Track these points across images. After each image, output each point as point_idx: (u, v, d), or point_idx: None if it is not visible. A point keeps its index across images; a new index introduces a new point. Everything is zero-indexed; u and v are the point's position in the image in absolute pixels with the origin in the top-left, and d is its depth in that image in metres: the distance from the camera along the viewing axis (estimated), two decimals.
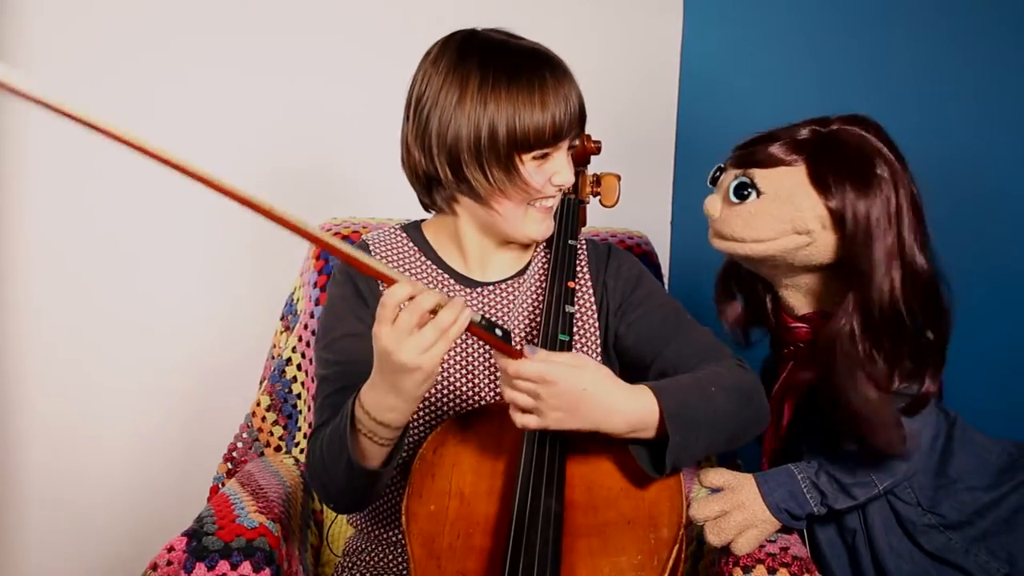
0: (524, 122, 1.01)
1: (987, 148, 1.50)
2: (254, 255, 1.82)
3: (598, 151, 1.24)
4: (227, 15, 1.76)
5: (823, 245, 1.12)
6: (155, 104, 1.75)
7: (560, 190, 1.09)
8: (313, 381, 1.37)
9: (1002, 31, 1.47)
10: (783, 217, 1.11)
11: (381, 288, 1.09)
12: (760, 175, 1.13)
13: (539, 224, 1.10)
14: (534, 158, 1.04)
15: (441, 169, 1.05)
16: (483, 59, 1.03)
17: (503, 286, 1.14)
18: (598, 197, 1.24)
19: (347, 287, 1.11)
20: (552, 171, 1.06)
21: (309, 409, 1.40)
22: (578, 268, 1.17)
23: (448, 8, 1.87)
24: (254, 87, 1.79)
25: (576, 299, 1.16)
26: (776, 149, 1.13)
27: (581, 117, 1.07)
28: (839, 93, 1.71)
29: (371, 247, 1.15)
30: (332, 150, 1.85)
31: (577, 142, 1.10)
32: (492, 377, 1.11)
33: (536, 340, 1.09)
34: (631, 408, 0.91)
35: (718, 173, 1.21)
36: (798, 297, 1.20)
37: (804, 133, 1.14)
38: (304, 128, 1.83)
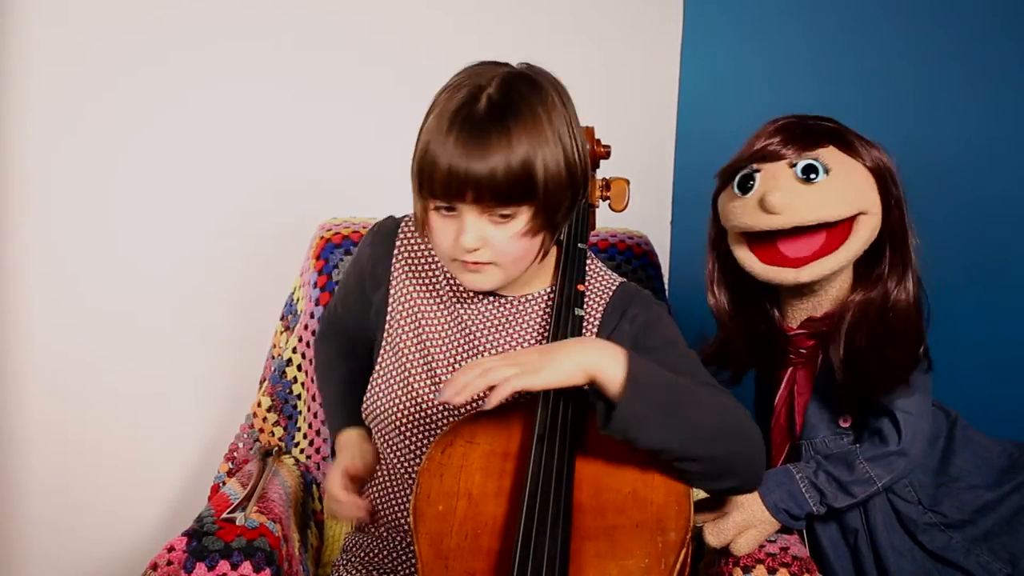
0: (427, 160, 0.96)
1: (987, 148, 1.50)
2: (254, 255, 1.83)
3: (607, 155, 1.22)
4: (231, 24, 1.76)
5: (877, 216, 1.16)
6: (158, 109, 1.75)
7: (469, 254, 1.00)
8: (313, 382, 1.38)
9: (1001, 31, 1.47)
10: (850, 194, 1.14)
11: (393, 284, 1.14)
12: (821, 154, 1.15)
13: (461, 273, 1.04)
14: (436, 208, 0.99)
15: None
16: (451, 89, 0.98)
17: (497, 302, 1.12)
18: (607, 201, 1.23)
19: (364, 261, 1.18)
20: (458, 230, 0.99)
21: (309, 409, 1.40)
22: (592, 314, 1.12)
23: (447, 14, 1.88)
24: (255, 89, 1.79)
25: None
26: (800, 139, 1.16)
27: (497, 188, 0.95)
28: (837, 93, 1.71)
29: (400, 227, 1.17)
30: (333, 151, 1.85)
31: (510, 211, 0.98)
32: (454, 344, 1.11)
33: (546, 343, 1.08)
34: (588, 351, 0.91)
35: (751, 182, 1.17)
36: (813, 303, 1.21)
37: (797, 126, 1.17)
38: (305, 128, 1.83)
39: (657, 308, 1.11)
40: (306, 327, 1.40)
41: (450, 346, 1.11)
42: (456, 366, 1.11)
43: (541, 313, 1.12)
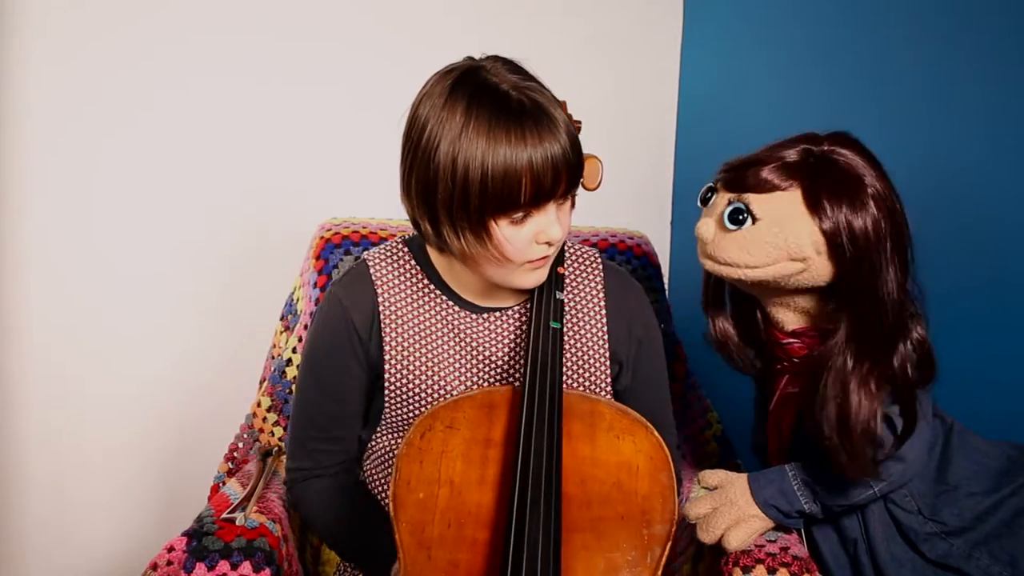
0: (496, 176, 0.92)
1: (986, 155, 1.50)
2: (254, 255, 1.83)
3: (578, 130, 1.20)
4: (229, 19, 1.77)
5: (817, 270, 1.10)
6: (157, 107, 1.75)
7: (551, 246, 1.00)
8: None
9: (1008, 32, 1.47)
10: (779, 244, 1.09)
11: (386, 330, 1.09)
12: (756, 201, 1.09)
13: (529, 276, 1.03)
14: (512, 222, 0.96)
15: (422, 222, 1.00)
16: (470, 101, 0.94)
17: (509, 312, 1.12)
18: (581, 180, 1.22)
19: (340, 327, 1.09)
20: (536, 229, 0.98)
21: None
22: (590, 279, 1.16)
23: (448, 14, 1.88)
24: (255, 88, 1.79)
25: (577, 300, 1.16)
26: (769, 174, 1.10)
27: (568, 174, 0.96)
28: (837, 93, 1.71)
29: (371, 268, 1.12)
30: (332, 150, 1.85)
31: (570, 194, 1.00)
32: (471, 369, 1.11)
33: (528, 327, 1.08)
34: None
35: (709, 194, 1.17)
36: (788, 314, 1.19)
37: (795, 155, 1.10)
38: (305, 128, 1.83)
39: (648, 314, 1.18)
40: (306, 327, 1.40)
41: (466, 369, 1.11)
42: (476, 385, 1.10)
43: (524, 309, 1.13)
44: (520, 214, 0.96)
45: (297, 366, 1.41)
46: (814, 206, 1.07)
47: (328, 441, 1.13)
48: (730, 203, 1.12)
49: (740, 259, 1.11)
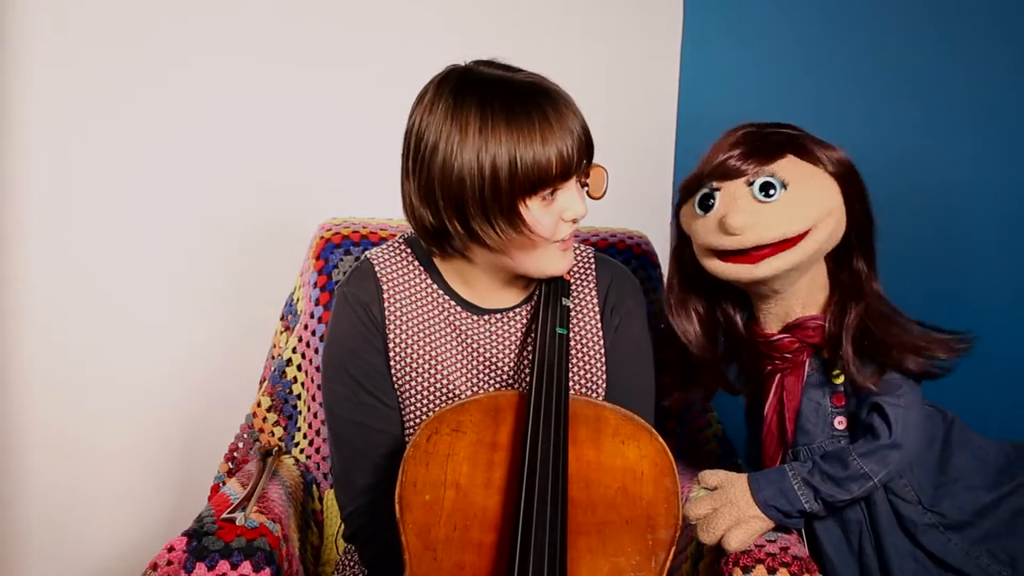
0: (526, 161, 0.96)
1: (985, 151, 1.50)
2: (254, 255, 1.82)
3: None
4: (230, 19, 1.77)
5: (841, 218, 1.15)
6: (157, 106, 1.75)
7: (575, 223, 1.05)
8: (313, 381, 1.37)
9: (996, 38, 1.47)
10: (815, 200, 1.12)
11: (390, 326, 1.10)
12: (778, 168, 1.12)
13: (559, 260, 1.07)
14: (542, 199, 1.00)
15: (450, 224, 1.01)
16: (481, 100, 0.97)
17: (510, 314, 1.13)
18: (586, 188, 1.23)
19: (361, 319, 1.11)
20: (563, 207, 1.02)
21: (309, 409, 1.40)
22: (587, 281, 1.17)
23: (447, 15, 1.88)
24: (254, 89, 1.79)
25: (577, 304, 1.16)
26: (757, 152, 1.13)
27: (587, 148, 1.02)
28: (837, 93, 1.71)
29: (375, 265, 1.13)
30: (333, 150, 1.85)
31: (586, 174, 1.06)
32: (472, 370, 1.12)
33: (535, 334, 1.09)
34: None
35: (711, 200, 1.16)
36: (783, 307, 1.19)
37: (755, 136, 1.15)
38: (305, 128, 1.83)
39: (632, 303, 1.18)
40: (306, 327, 1.40)
41: (467, 370, 1.12)
42: (477, 386, 1.11)
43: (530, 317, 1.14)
44: (550, 191, 1.00)
45: (298, 366, 1.41)
46: (813, 159, 1.14)
47: (371, 447, 1.11)
48: (750, 183, 1.13)
49: (790, 226, 1.11)
